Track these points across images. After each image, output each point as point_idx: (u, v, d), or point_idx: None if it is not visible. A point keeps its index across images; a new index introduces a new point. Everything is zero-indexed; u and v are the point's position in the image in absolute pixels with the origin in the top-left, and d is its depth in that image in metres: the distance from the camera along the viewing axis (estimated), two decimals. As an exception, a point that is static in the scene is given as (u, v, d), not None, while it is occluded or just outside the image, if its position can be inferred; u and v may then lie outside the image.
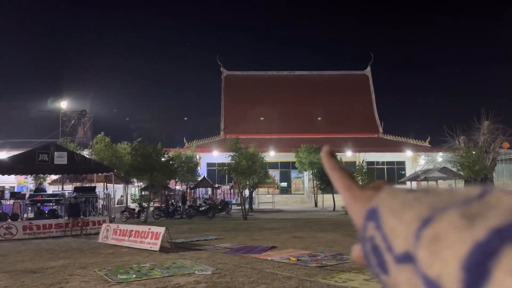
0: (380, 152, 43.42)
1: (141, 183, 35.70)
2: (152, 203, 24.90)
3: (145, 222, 21.68)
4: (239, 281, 7.35)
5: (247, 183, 26.81)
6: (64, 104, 29.69)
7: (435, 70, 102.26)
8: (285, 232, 16.16)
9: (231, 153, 25.68)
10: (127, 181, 30.66)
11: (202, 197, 35.22)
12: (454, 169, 31.24)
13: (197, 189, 35.33)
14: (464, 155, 24.93)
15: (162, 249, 11.30)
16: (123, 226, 13.27)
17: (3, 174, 16.48)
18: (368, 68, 54.44)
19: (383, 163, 45.38)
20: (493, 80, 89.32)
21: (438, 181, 33.21)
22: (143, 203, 24.91)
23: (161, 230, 11.56)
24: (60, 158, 16.72)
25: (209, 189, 35.99)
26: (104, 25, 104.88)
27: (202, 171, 41.56)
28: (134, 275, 7.93)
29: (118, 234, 13.06)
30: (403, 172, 46.12)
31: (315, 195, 37.31)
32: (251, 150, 26.50)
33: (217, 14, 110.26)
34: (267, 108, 50.39)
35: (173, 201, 31.22)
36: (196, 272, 8.16)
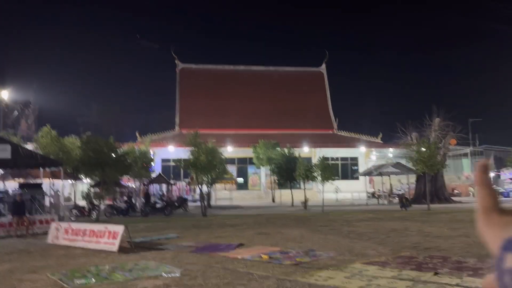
0: (335, 148, 44.13)
1: (89, 180, 33.84)
2: (101, 201, 23.50)
3: (97, 221, 20.40)
4: (212, 283, 6.79)
5: (206, 179, 26.05)
6: (5, 94, 27.35)
7: (388, 68, 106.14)
8: (249, 228, 15.72)
9: (189, 148, 24.85)
10: (75, 178, 28.86)
11: (157, 194, 34.01)
12: (408, 165, 32.32)
13: (151, 185, 34.07)
14: (418, 150, 25.69)
15: (121, 249, 10.45)
16: (75, 225, 12.21)
17: None
18: (323, 65, 55.21)
19: (337, 158, 46.20)
20: (444, 76, 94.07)
21: (391, 176, 34.19)
22: (94, 201, 23.46)
23: (119, 229, 10.69)
24: (3, 152, 15.18)
25: (164, 186, 34.85)
26: (50, 12, 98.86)
27: (157, 167, 40.20)
28: (93, 279, 7.12)
29: (70, 233, 11.99)
30: (356, 167, 47.22)
31: (272, 190, 37.22)
32: (210, 145, 25.77)
33: (171, 4, 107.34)
34: (223, 102, 49.69)
35: (126, 198, 29.85)
36: (163, 274, 7.48)
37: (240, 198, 39.69)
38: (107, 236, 10.78)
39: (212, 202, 33.60)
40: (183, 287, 6.59)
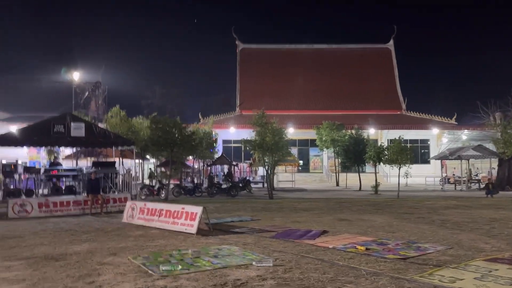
0: (404, 130, 41.48)
1: (155, 160, 34.41)
2: (165, 180, 23.53)
3: (165, 200, 20.40)
4: (313, 277, 5.86)
5: (269, 160, 25.21)
6: (77, 75, 28.21)
7: (464, 43, 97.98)
8: (324, 213, 14.68)
9: (253, 129, 24.12)
10: (142, 157, 29.33)
11: (219, 175, 33.91)
12: (491, 147, 29.46)
13: (214, 166, 33.99)
14: (506, 131, 23.02)
15: (199, 231, 9.87)
16: (151, 205, 11.84)
17: (16, 146, 15.12)
18: (391, 42, 51.89)
19: (405, 141, 43.48)
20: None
21: (470, 160, 31.42)
22: (163, 180, 23.58)
23: (197, 210, 10.10)
24: (77, 130, 15.27)
25: (225, 167, 34.66)
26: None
27: (218, 148, 40.11)
28: (179, 266, 6.47)
29: (146, 213, 11.66)
30: (426, 150, 44.32)
31: (337, 173, 35.77)
32: (275, 125, 24.81)
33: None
34: (284, 83, 48.47)
35: (194, 178, 29.94)
36: (253, 263, 6.67)
37: (301, 181, 38.68)
38: (185, 217, 10.25)
39: (274, 185, 32.90)
40: (282, 280, 5.72)
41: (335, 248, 8.06)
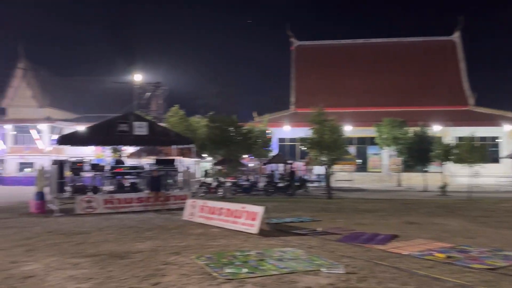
0: (471, 126, 38.72)
1: (211, 158, 34.83)
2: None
3: (223, 198, 20.43)
4: (392, 288, 5.30)
5: (327, 159, 24.43)
6: (138, 77, 29.23)
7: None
8: (390, 215, 13.83)
9: (309, 127, 23.49)
10: (199, 156, 29.74)
11: (276, 173, 33.59)
12: None
13: (269, 165, 33.74)
14: None
15: (260, 231, 9.57)
16: (211, 203, 11.74)
17: (83, 145, 15.72)
18: (456, 34, 48.69)
19: (472, 139, 40.63)
20: None
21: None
22: (220, 178, 23.70)
23: (258, 209, 9.80)
24: (140, 129, 15.58)
25: (280, 166, 34.28)
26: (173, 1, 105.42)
27: (273, 147, 39.77)
28: (245, 269, 6.17)
29: (206, 211, 11.57)
30: (495, 149, 41.08)
31: (398, 173, 34.09)
32: (333, 122, 23.97)
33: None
34: (341, 79, 47.14)
35: (247, 177, 29.89)
36: (323, 269, 6.22)
37: (359, 180, 37.28)
38: (245, 217, 9.99)
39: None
40: (357, 291, 5.22)
41: (411, 255, 7.38)
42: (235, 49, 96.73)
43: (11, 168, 41.21)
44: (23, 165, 41.60)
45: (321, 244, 8.56)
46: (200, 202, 12.22)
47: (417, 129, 30.09)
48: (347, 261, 6.92)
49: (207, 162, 37.15)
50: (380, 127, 33.58)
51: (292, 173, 26.08)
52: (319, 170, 35.17)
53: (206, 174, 31.60)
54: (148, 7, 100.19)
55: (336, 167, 34.16)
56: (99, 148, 35.08)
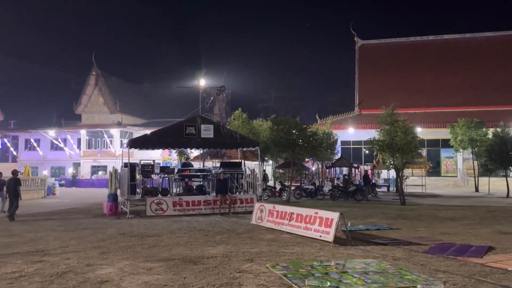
0: None
1: (272, 161, 34.45)
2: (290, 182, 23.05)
3: (288, 202, 19.91)
4: (511, 313, 4.43)
5: (397, 162, 22.98)
6: (203, 82, 29.73)
7: None
8: (477, 224, 12.47)
9: (381, 128, 22.22)
10: (262, 159, 29.50)
11: (340, 177, 32.45)
12: None
13: (332, 168, 32.67)
14: None
15: (336, 240, 8.90)
16: (280, 207, 11.25)
17: (152, 148, 15.98)
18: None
19: None
20: None
21: None
22: (285, 182, 23.22)
23: (334, 216, 9.13)
24: (207, 131, 15.54)
25: (344, 169, 33.04)
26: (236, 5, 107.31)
27: (337, 150, 38.53)
28: (328, 283, 5.58)
29: (275, 216, 11.10)
30: None
31: (476, 177, 31.45)
32: (404, 123, 22.49)
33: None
34: (410, 78, 44.75)
35: (311, 180, 29.13)
36: (419, 287, 5.45)
37: (432, 185, 34.95)
38: (319, 223, 9.37)
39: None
40: (467, 315, 4.43)
41: (519, 272, 6.34)
42: (296, 51, 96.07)
43: (85, 171, 43.78)
44: (96, 168, 44.04)
45: (407, 255, 7.72)
46: (268, 206, 11.78)
47: (497, 130, 27.54)
48: (442, 276, 6.08)
49: (268, 165, 36.89)
50: (454, 128, 31.26)
51: (366, 177, 24.88)
52: (387, 174, 33.53)
53: (265, 178, 31.33)
54: (210, 14, 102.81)
55: (406, 171, 32.38)
56: (166, 151, 36.13)
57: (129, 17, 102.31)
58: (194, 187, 16.56)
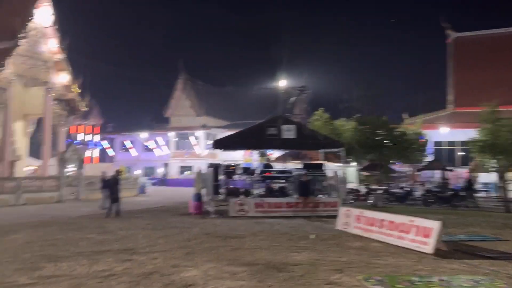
0: None
1: (356, 163, 33.01)
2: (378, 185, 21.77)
3: (374, 207, 18.75)
4: None
5: (502, 165, 20.49)
6: (283, 82, 29.55)
7: None
8: None
9: (481, 127, 20.03)
10: (345, 160, 28.37)
11: (433, 181, 30.02)
12: None
13: (423, 171, 30.30)
14: None
15: (436, 251, 7.95)
16: (369, 213, 10.47)
17: (235, 149, 16.08)
18: None
19: None
20: None
21: None
22: (371, 185, 22.01)
23: (433, 225, 8.19)
24: (289, 132, 15.20)
25: (436, 172, 30.45)
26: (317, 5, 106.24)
27: (429, 151, 35.79)
28: (433, 304, 4.85)
29: (364, 222, 10.35)
30: None
31: None
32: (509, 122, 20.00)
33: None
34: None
35: (400, 184, 27.35)
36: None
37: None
38: (415, 232, 8.47)
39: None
40: None
41: None
42: (381, 48, 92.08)
43: (173, 171, 46.07)
44: (183, 168, 46.12)
45: (525, 274, 6.58)
46: (355, 211, 11.04)
47: None
48: None
49: (351, 168, 35.46)
50: None
51: (469, 181, 22.72)
52: (487, 178, 30.31)
53: (362, 180, 30.04)
54: (291, 14, 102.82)
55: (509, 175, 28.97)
56: (247, 152, 36.56)
57: (214, 24, 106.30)
58: (276, 189, 16.29)
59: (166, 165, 47.45)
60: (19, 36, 21.23)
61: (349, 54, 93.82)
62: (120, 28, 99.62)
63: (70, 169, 24.06)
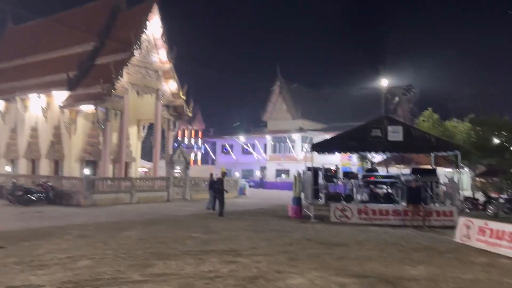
0: None
1: (468, 169, 29.83)
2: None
3: (496, 217, 16.56)
4: None
5: None
6: (385, 81, 27.87)
7: None
8: None
9: None
10: (457, 165, 25.78)
11: None
12: None
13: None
14: None
15: None
16: (496, 225, 9.15)
17: (336, 152, 15.52)
18: None
19: None
20: None
21: None
22: (490, 193, 19.57)
23: None
24: (395, 134, 14.14)
25: None
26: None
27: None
28: None
29: (489, 235, 9.06)
30: None
31: None
32: None
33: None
34: None
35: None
36: None
37: None
38: (560, 251, 7.11)
39: None
40: None
41: None
42: (494, 42, 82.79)
43: (270, 174, 46.57)
44: (280, 172, 46.38)
45: None
46: (478, 222, 9.74)
47: None
48: None
49: (464, 173, 32.11)
50: None
51: None
52: None
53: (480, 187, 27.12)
54: (394, 12, 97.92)
55: None
56: (345, 156, 35.32)
57: (310, 27, 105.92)
58: (381, 195, 15.27)
59: (263, 168, 48.19)
60: (133, 48, 23.21)
61: (460, 51, 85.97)
62: (218, 34, 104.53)
63: (177, 170, 25.58)
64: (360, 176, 15.73)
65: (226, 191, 16.05)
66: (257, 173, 48.28)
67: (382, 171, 22.88)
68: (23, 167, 25.69)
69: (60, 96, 23.94)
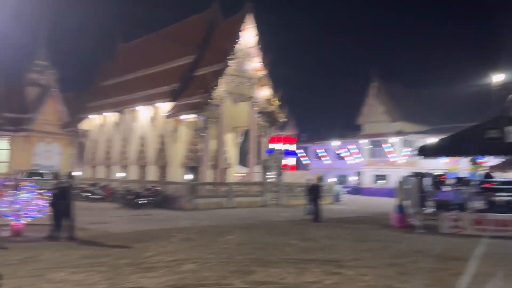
0: None
1: None
2: None
3: None
4: None
5: None
6: (499, 77, 24.85)
7: None
8: None
9: None
10: None
11: None
12: None
13: None
14: None
15: None
16: None
17: (444, 156, 14.21)
18: None
19: None
20: None
21: None
22: None
23: None
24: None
25: None
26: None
27: None
28: None
29: None
30: None
31: None
32: None
33: None
34: None
35: None
36: None
37: None
38: None
39: None
40: None
41: None
42: None
43: (367, 180, 44.65)
44: (377, 177, 44.23)
45: None
46: None
47: None
48: None
49: None
50: None
51: None
52: None
53: None
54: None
55: None
56: (452, 160, 32.36)
57: (407, 25, 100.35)
58: (499, 203, 13.51)
59: (359, 173, 46.43)
60: (228, 57, 24.00)
61: None
62: (309, 38, 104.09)
63: (272, 176, 25.74)
64: (474, 182, 14.12)
65: (322, 197, 15.75)
66: (352, 179, 46.68)
67: (497, 176, 20.48)
68: (133, 173, 28.05)
69: (163, 106, 25.72)
